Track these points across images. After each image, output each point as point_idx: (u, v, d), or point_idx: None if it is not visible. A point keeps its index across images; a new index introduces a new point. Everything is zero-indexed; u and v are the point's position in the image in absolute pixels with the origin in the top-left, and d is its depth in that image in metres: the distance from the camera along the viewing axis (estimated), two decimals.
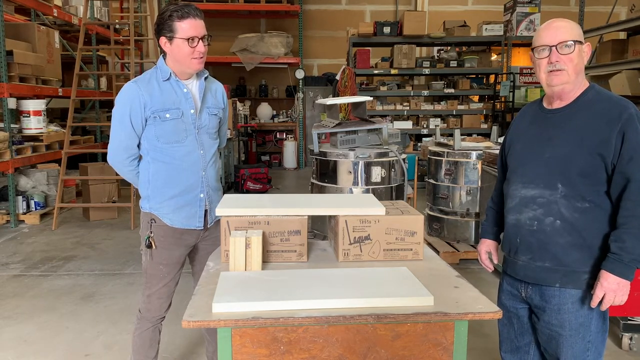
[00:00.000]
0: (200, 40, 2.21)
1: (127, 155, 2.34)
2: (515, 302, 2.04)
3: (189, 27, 2.18)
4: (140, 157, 2.39)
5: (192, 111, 2.32)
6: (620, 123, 1.76)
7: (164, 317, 2.52)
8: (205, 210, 2.40)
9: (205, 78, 2.38)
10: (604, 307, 1.80)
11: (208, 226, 2.43)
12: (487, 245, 2.23)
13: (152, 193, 2.35)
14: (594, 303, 1.80)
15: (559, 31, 1.83)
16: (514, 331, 2.08)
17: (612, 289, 1.76)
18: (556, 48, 1.83)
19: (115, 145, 2.34)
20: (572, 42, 1.81)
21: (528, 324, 2.04)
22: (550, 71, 1.85)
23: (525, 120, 2.04)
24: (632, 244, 1.74)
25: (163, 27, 2.20)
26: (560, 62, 1.83)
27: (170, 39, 2.20)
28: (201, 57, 2.24)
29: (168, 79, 2.29)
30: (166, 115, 2.27)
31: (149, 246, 2.34)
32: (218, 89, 2.49)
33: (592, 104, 1.84)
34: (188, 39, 2.18)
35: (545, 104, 1.97)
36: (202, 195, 2.38)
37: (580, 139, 1.81)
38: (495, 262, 2.23)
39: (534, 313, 1.99)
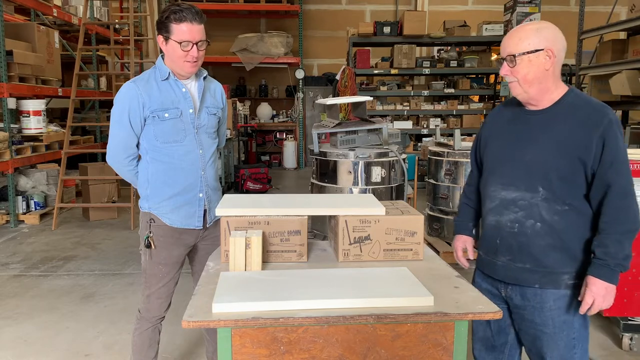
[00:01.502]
0: (195, 46, 2.19)
1: (126, 155, 2.34)
2: (495, 301, 2.04)
3: (184, 30, 2.16)
4: (139, 157, 2.39)
5: (190, 111, 2.32)
6: (600, 129, 1.76)
7: (164, 317, 2.51)
8: (205, 210, 2.40)
9: (204, 78, 2.38)
10: (593, 312, 1.80)
11: (207, 226, 2.43)
12: (462, 241, 2.22)
13: (151, 193, 2.35)
14: (582, 310, 1.81)
15: (507, 44, 1.83)
16: (490, 330, 2.09)
17: (600, 294, 1.77)
18: (505, 60, 1.84)
19: (114, 145, 2.34)
20: (518, 54, 1.79)
21: (506, 323, 2.04)
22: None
23: (504, 117, 2.01)
24: (615, 249, 1.76)
25: (161, 26, 2.20)
26: (509, 75, 1.84)
27: (166, 39, 2.20)
28: (195, 62, 2.23)
29: (167, 78, 2.28)
30: (165, 115, 2.26)
31: (148, 246, 2.34)
32: (217, 88, 2.49)
33: (573, 109, 1.83)
34: (181, 43, 2.17)
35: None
36: (201, 195, 2.37)
37: (561, 143, 1.81)
38: (471, 258, 2.22)
39: (513, 313, 1.99)
